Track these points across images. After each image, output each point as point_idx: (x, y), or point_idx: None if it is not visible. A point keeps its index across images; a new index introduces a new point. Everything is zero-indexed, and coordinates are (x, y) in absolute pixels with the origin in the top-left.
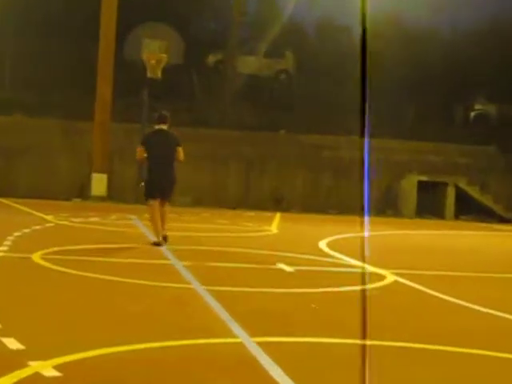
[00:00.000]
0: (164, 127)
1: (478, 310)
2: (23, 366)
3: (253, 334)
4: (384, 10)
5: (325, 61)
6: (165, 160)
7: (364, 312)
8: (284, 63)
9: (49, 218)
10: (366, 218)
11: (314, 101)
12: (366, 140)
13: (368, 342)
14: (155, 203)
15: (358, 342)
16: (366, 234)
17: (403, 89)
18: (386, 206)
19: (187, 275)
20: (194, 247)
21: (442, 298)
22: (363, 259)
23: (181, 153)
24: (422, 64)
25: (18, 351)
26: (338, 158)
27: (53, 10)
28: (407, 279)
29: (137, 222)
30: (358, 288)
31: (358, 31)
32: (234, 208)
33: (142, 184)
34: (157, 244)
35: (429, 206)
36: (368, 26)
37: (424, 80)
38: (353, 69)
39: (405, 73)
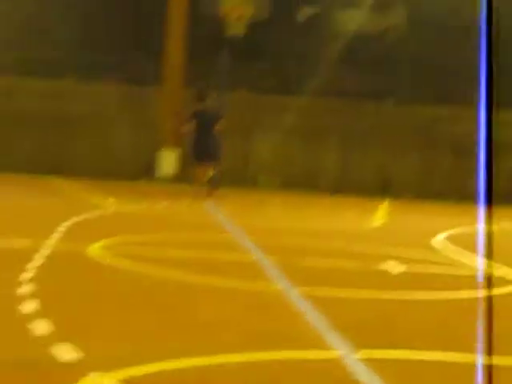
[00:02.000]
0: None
1: None
2: (81, 376)
3: (354, 348)
4: None
5: (443, 16)
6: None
7: (489, 322)
8: (394, 18)
9: (109, 202)
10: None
11: (430, 64)
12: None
13: (494, 360)
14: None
15: (480, 358)
16: (495, 226)
17: None
18: None
19: (275, 274)
20: (283, 241)
21: None
22: (488, 259)
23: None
24: None
25: (75, 360)
26: (459, 133)
27: None
28: None
29: (212, 208)
30: (481, 294)
31: None
32: (331, 193)
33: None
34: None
35: None
36: None
37: None
38: (476, 25)
39: None
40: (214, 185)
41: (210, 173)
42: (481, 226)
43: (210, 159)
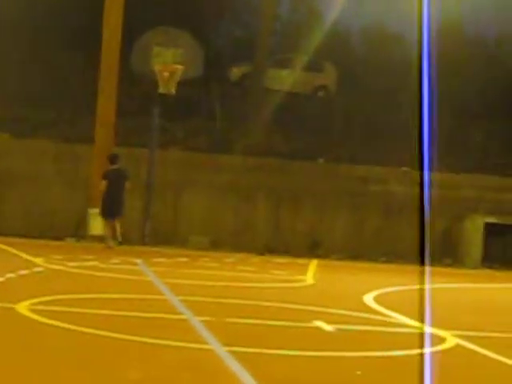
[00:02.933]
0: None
1: None
2: None
3: None
4: (444, 15)
5: (373, 76)
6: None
7: (424, 381)
8: (323, 78)
9: (38, 260)
10: (426, 268)
11: (360, 124)
12: (426, 173)
13: None
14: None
15: None
16: (422, 286)
17: (469, 109)
18: (444, 254)
19: (205, 333)
20: (213, 299)
21: None
22: (420, 317)
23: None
24: (493, 79)
25: None
26: (388, 193)
27: (46, 11)
28: (474, 343)
29: (143, 268)
30: (413, 352)
31: (413, 40)
32: (261, 253)
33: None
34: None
35: (498, 254)
36: (425, 34)
37: (496, 102)
38: (407, 86)
39: (472, 90)
40: (117, 239)
41: (118, 227)
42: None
43: (115, 215)
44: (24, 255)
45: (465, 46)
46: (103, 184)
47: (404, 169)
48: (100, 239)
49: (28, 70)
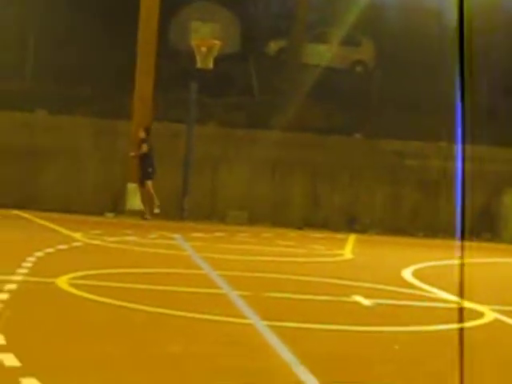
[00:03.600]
0: None
1: None
2: None
3: (323, 381)
4: None
5: (410, 51)
6: None
7: (461, 357)
8: (361, 53)
9: (77, 235)
10: (464, 242)
11: (396, 99)
12: (460, 147)
13: None
14: None
15: None
16: (461, 261)
17: (507, 86)
18: (482, 228)
19: (244, 308)
20: (252, 274)
21: None
22: (458, 292)
23: None
24: None
25: None
26: (426, 168)
27: None
28: (511, 317)
29: (181, 243)
30: (451, 327)
31: (453, 16)
32: (299, 227)
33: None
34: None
35: None
36: (466, 8)
37: None
38: (444, 61)
39: (510, 64)
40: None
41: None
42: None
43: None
44: (63, 230)
45: (503, 20)
46: (144, 147)
47: (357, 136)
48: (138, 214)
49: (65, 46)
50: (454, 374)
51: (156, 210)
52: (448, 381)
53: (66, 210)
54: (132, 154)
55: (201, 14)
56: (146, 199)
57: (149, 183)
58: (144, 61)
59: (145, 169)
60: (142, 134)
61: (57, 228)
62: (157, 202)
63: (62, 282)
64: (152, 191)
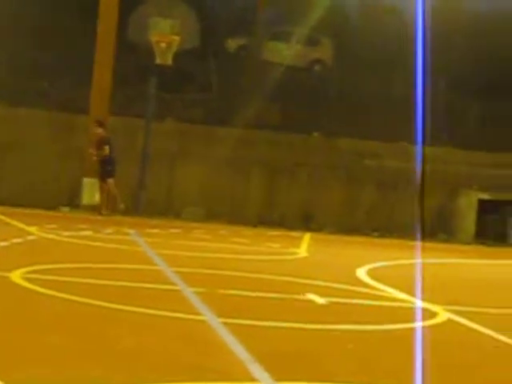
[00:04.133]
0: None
1: None
2: None
3: (277, 379)
4: None
5: (369, 51)
6: None
7: (417, 356)
8: (320, 52)
9: (31, 229)
10: (420, 243)
11: (355, 99)
12: (419, 147)
13: None
14: None
15: None
16: (415, 261)
17: (465, 85)
18: (438, 229)
19: (199, 305)
20: (206, 271)
21: (506, 343)
22: (412, 292)
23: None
24: (490, 57)
25: None
26: (383, 168)
27: None
28: (464, 317)
29: (137, 239)
30: (404, 326)
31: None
32: (255, 225)
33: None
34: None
35: (491, 229)
36: (426, 9)
37: (493, 77)
38: (403, 61)
39: (469, 67)
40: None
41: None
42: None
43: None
44: (17, 224)
45: (461, 19)
46: (107, 149)
47: (315, 134)
48: (93, 209)
49: (22, 38)
50: (407, 372)
51: (121, 206)
52: (402, 379)
53: (21, 203)
54: (92, 153)
55: (160, 9)
56: (108, 196)
57: (110, 181)
58: (102, 55)
59: (104, 167)
60: (99, 131)
61: (11, 221)
62: (119, 199)
63: (16, 276)
64: (114, 190)
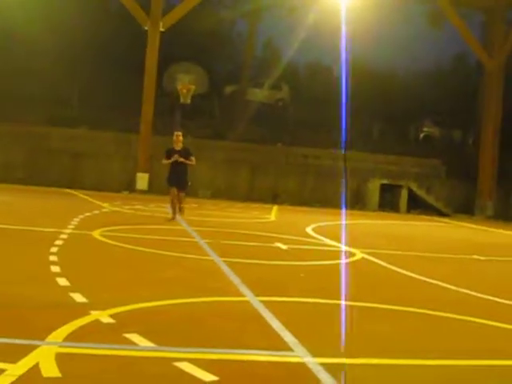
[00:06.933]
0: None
1: (429, 282)
2: (86, 314)
3: (257, 294)
4: (358, 56)
5: (313, 92)
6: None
7: (342, 280)
8: (282, 94)
9: (105, 205)
10: (344, 210)
11: (304, 122)
12: (343, 152)
13: (345, 303)
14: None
15: (337, 302)
16: (342, 222)
17: (370, 113)
18: (356, 202)
19: (208, 249)
20: (213, 229)
21: (398, 272)
22: (340, 240)
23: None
24: (384, 95)
25: (82, 303)
26: (321, 165)
27: (114, 51)
28: (372, 256)
29: (169, 210)
30: (335, 262)
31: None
32: (242, 201)
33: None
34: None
35: (388, 202)
36: (345, 67)
37: (386, 107)
38: (334, 98)
39: (372, 102)
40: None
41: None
42: (335, 222)
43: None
44: (96, 201)
45: (367, 73)
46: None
47: (279, 144)
48: (143, 192)
49: (97, 85)
50: (335, 288)
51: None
52: (332, 292)
53: (98, 189)
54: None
55: (183, 68)
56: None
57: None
58: (147, 96)
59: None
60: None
61: (93, 200)
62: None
63: (96, 233)
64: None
